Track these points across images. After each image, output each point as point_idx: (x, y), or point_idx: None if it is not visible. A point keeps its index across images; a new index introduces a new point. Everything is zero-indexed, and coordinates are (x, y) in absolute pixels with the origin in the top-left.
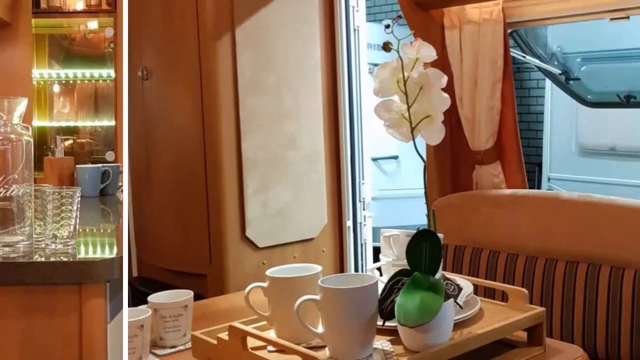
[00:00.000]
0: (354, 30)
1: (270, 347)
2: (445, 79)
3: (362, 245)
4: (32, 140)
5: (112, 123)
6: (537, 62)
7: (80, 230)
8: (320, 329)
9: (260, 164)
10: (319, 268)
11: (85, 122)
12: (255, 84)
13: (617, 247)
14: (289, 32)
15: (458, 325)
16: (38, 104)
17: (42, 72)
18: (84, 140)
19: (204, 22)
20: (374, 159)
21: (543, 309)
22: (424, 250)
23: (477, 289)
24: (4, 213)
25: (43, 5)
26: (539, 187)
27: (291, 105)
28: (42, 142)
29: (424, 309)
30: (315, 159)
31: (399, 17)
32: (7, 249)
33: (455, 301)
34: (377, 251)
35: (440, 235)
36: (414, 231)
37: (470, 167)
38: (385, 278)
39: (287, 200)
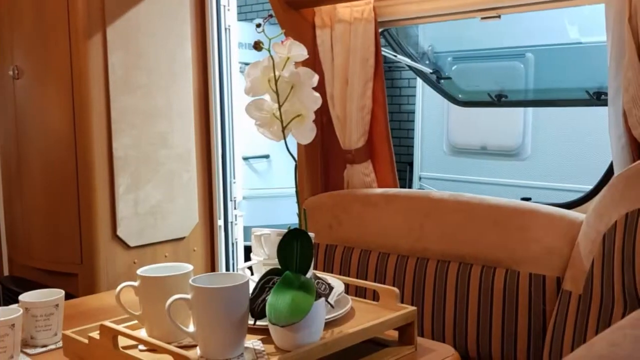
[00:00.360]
0: (225, 29)
1: (141, 347)
2: (316, 78)
3: (233, 244)
4: None
5: None
6: (408, 61)
7: None
8: (191, 328)
9: (131, 163)
10: (190, 267)
11: None
12: (126, 83)
13: (488, 246)
14: (160, 31)
15: (329, 324)
16: None
17: None
18: None
19: (74, 21)
20: (245, 158)
21: (414, 308)
22: (295, 249)
23: (348, 288)
24: None
25: None
26: (410, 186)
27: (162, 104)
28: None
29: (294, 308)
30: (187, 158)
31: (270, 16)
32: None
33: (327, 300)
34: (248, 250)
35: (312, 235)
36: (285, 230)
37: (342, 166)
38: (256, 277)
39: (158, 199)
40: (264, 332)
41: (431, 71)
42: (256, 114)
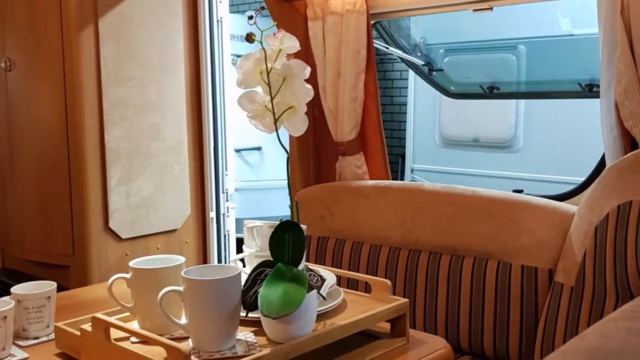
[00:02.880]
0: (217, 21)
1: (133, 339)
2: (308, 70)
3: (225, 236)
4: None
5: None
6: (400, 53)
7: None
8: (183, 320)
9: (123, 155)
10: (182, 259)
11: None
12: (118, 75)
13: (480, 238)
14: (152, 23)
15: (321, 316)
16: None
17: None
18: None
19: (66, 13)
20: (237, 150)
21: (406, 300)
22: (287, 241)
23: (340, 280)
24: None
25: None
26: (402, 178)
27: (154, 96)
28: None
29: (286, 300)
30: (179, 150)
31: (262, 8)
32: None
33: (319, 292)
34: (240, 242)
35: (304, 227)
36: (277, 222)
37: (334, 158)
38: (248, 269)
39: (150, 191)
40: (256, 324)
41: (423, 63)
42: (248, 106)
